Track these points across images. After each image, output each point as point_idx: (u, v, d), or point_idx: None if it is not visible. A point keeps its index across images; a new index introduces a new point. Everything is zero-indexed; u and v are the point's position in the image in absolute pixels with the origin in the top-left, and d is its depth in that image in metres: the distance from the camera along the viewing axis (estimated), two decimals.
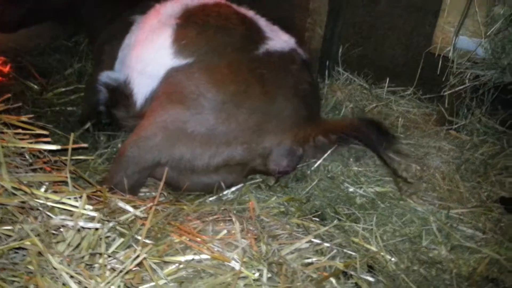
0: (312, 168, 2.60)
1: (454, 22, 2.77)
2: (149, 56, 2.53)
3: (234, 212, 2.15)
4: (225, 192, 2.44)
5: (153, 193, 2.48)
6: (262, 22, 2.67)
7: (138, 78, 2.59)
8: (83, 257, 1.49)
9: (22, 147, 1.84)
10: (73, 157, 1.92)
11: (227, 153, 2.29)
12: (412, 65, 3.30)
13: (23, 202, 1.54)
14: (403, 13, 3.32)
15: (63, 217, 1.50)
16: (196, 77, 2.30)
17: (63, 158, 2.02)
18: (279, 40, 2.56)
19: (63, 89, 3.39)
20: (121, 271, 1.44)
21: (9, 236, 1.43)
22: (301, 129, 2.34)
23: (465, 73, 2.76)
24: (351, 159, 2.68)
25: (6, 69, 3.49)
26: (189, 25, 2.50)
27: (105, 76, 2.87)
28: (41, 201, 1.56)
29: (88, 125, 2.90)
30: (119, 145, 2.87)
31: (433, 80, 3.09)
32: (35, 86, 3.37)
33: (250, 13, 2.71)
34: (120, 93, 2.78)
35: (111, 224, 1.67)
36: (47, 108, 3.20)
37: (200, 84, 2.28)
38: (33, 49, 3.86)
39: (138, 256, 1.49)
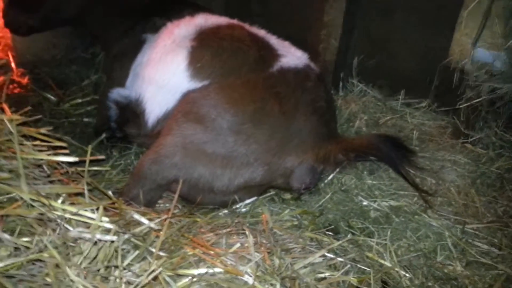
0: (326, 181, 2.60)
1: (472, 34, 2.76)
2: (164, 77, 2.50)
3: (247, 225, 2.15)
4: (238, 205, 2.44)
5: (168, 205, 2.50)
6: (273, 40, 2.65)
7: (151, 98, 2.56)
8: (99, 270, 1.51)
9: (41, 159, 1.87)
10: (89, 168, 1.95)
11: (248, 175, 2.26)
12: (427, 77, 3.28)
13: (41, 214, 1.56)
14: (418, 25, 3.31)
15: (80, 229, 1.52)
16: (212, 96, 2.28)
17: (80, 169, 2.05)
18: (292, 56, 2.53)
19: (80, 100, 3.45)
20: (137, 286, 1.45)
21: (28, 248, 1.45)
22: (322, 148, 2.31)
23: (482, 86, 2.74)
24: (365, 172, 2.66)
25: (25, 80, 3.57)
26: (203, 48, 2.48)
27: (116, 93, 2.84)
28: (58, 213, 1.58)
29: (102, 136, 2.93)
30: (132, 157, 2.90)
31: (448, 92, 3.07)
32: (52, 97, 3.43)
33: (262, 32, 2.69)
34: (131, 111, 2.75)
35: (126, 236, 1.69)
36: (64, 119, 3.26)
37: (217, 104, 2.25)
38: (50, 60, 3.92)
39: (153, 271, 1.50)
